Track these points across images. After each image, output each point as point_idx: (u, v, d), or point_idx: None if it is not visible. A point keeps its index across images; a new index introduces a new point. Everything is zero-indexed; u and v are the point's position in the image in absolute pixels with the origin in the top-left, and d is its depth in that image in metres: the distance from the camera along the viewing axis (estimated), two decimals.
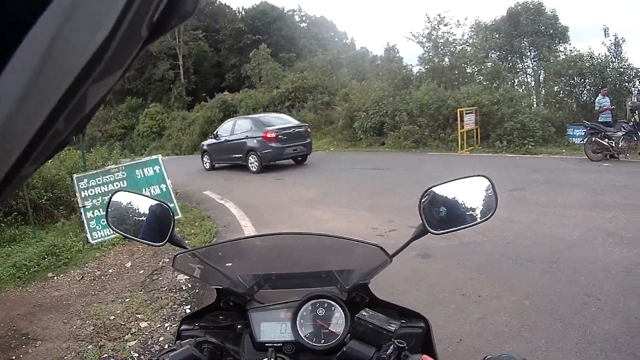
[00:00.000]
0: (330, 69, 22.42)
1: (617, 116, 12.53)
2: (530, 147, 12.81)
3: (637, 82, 14.39)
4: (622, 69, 14.31)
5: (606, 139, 10.61)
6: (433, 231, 1.09)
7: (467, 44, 17.68)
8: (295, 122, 13.12)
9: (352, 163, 12.36)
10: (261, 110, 20.94)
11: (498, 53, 18.42)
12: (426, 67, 17.09)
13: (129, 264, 5.39)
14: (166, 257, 5.35)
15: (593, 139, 10.76)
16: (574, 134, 13.34)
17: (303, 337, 1.07)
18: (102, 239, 6.17)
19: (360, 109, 16.64)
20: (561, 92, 15.22)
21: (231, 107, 22.69)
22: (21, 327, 4.03)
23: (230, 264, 1.29)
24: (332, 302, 1.09)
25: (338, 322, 1.07)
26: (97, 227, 6.24)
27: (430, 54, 17.12)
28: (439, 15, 17.00)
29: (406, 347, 0.91)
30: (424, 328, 1.11)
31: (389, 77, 17.39)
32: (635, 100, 12.33)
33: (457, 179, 1.14)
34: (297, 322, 1.08)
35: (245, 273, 1.28)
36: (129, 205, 1.26)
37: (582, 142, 11.60)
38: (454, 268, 4.63)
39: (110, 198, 1.27)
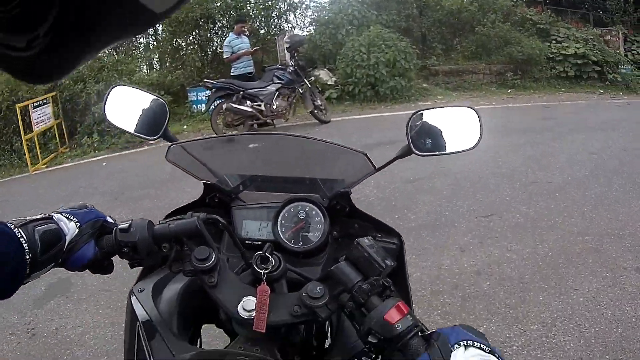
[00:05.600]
0: None
1: (264, 63, 9.63)
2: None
3: (291, 16, 11.74)
4: (269, 3, 11.40)
5: (248, 102, 7.01)
6: (418, 152, 1.08)
7: None
8: None
9: None
10: None
11: None
12: None
13: None
14: None
15: (225, 105, 7.00)
16: (198, 99, 9.87)
17: (282, 237, 1.06)
18: None
19: None
20: (184, 46, 11.80)
21: None
22: None
23: (220, 162, 1.25)
24: (314, 207, 1.08)
25: (317, 226, 1.06)
26: None
27: None
28: None
29: (391, 287, 0.81)
30: (398, 245, 1.09)
31: None
32: (293, 35, 9.25)
33: (446, 107, 1.16)
34: (278, 223, 1.07)
35: (233, 172, 1.25)
36: (127, 99, 1.21)
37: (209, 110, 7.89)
38: None
39: (109, 92, 1.20)
